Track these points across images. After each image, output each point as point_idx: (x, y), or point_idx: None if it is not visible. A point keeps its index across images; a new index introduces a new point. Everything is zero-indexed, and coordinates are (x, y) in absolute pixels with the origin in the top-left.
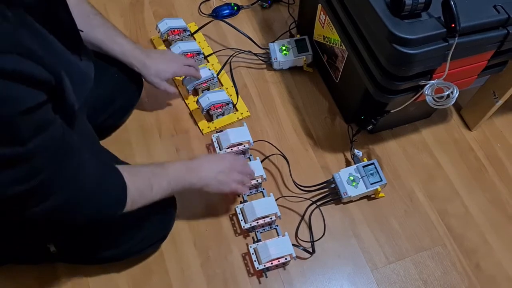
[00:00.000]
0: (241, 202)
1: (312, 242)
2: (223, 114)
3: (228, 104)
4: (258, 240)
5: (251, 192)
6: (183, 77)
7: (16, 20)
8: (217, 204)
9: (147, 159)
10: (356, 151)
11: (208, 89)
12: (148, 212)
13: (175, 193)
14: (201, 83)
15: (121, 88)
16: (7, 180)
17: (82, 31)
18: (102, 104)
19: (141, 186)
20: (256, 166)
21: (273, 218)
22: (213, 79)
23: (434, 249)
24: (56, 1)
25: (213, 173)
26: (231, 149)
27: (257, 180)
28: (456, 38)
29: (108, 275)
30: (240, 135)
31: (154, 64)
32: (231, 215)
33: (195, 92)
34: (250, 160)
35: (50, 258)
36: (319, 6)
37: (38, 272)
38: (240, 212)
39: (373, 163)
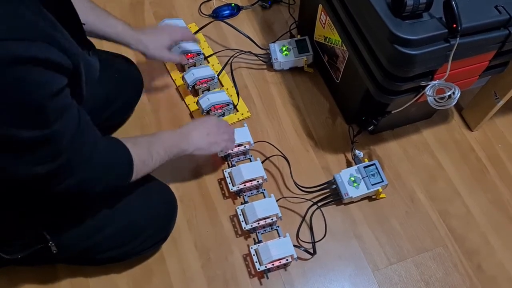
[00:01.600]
0: (242, 203)
1: (313, 243)
2: (223, 115)
3: (228, 104)
4: (259, 241)
5: (252, 193)
6: (182, 74)
7: (36, 11)
8: (218, 205)
9: None
10: (357, 151)
11: (208, 89)
12: (149, 213)
13: (170, 160)
14: (202, 83)
15: (121, 88)
16: (37, 160)
17: (84, 24)
18: (103, 104)
19: (142, 156)
20: (257, 167)
21: (274, 219)
22: (213, 79)
23: (435, 250)
24: None
25: (203, 136)
26: (232, 150)
27: (257, 181)
28: (458, 39)
29: (108, 276)
30: (240, 135)
31: (149, 38)
32: (232, 216)
33: (196, 93)
34: (251, 161)
35: (50, 259)
36: (320, 6)
37: (38, 273)
38: (241, 213)
39: (374, 164)
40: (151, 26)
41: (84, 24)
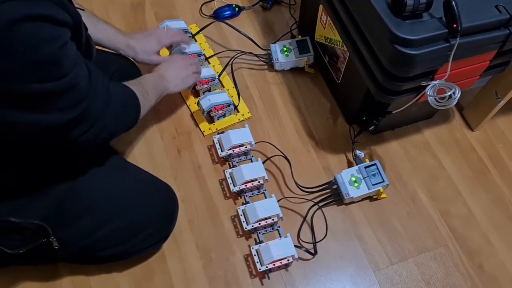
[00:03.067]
0: (243, 204)
1: (314, 243)
2: (224, 116)
3: (229, 105)
4: (260, 242)
5: (253, 193)
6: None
7: None
8: (219, 205)
9: (148, 161)
10: (358, 152)
11: (209, 90)
12: (150, 211)
13: (159, 99)
14: (203, 84)
15: None
16: (58, 108)
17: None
18: None
19: (140, 92)
20: (258, 167)
21: (275, 219)
22: (214, 80)
23: (436, 250)
24: None
25: (176, 73)
26: (233, 151)
27: (258, 182)
28: (458, 39)
29: (109, 275)
30: (241, 136)
31: (137, 43)
32: (233, 217)
33: (196, 94)
34: (252, 162)
35: (52, 256)
36: (320, 7)
37: (40, 272)
38: (242, 213)
39: (375, 164)
40: (142, 30)
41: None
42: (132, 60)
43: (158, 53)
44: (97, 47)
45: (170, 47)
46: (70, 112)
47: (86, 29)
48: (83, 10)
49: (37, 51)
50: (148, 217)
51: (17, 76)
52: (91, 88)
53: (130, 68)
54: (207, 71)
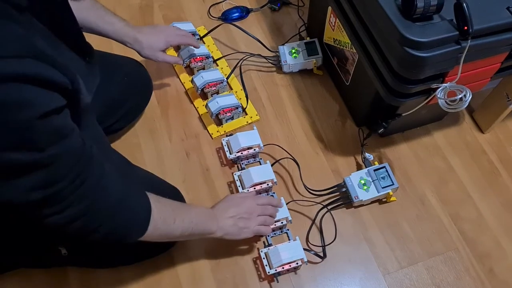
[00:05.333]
0: None
1: (323, 246)
2: (232, 118)
3: (237, 108)
4: (269, 245)
5: None
6: (192, 77)
7: (26, 23)
8: None
9: (157, 163)
10: (367, 154)
11: (217, 93)
12: None
13: (193, 237)
14: (211, 86)
15: (130, 91)
16: (24, 185)
17: (82, 29)
18: (111, 107)
19: (165, 214)
20: (267, 170)
21: (284, 222)
22: (222, 82)
23: (446, 254)
24: (60, 4)
25: (233, 220)
26: (242, 153)
27: (267, 184)
28: (469, 41)
29: (119, 279)
30: (250, 138)
31: (145, 37)
32: None
33: (205, 96)
34: (261, 164)
35: (61, 261)
36: (329, 8)
37: (49, 276)
38: None
39: (384, 167)
40: (151, 25)
41: (82, 28)
42: (137, 53)
43: (163, 51)
44: (106, 50)
45: (177, 48)
46: (38, 192)
47: (87, 53)
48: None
49: (6, 115)
50: None
51: None
52: (73, 171)
53: (140, 73)
54: (215, 74)
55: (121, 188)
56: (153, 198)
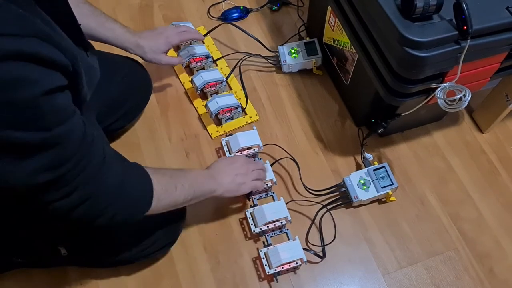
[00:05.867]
0: (251, 206)
1: (323, 246)
2: (231, 118)
3: (236, 108)
4: (269, 244)
5: (261, 196)
6: (191, 77)
7: (28, 7)
8: (227, 208)
9: (156, 163)
10: (366, 154)
11: (217, 93)
12: (158, 216)
13: (196, 200)
14: (211, 86)
15: (130, 92)
16: (31, 167)
17: (80, 24)
18: (111, 107)
19: (166, 184)
20: (266, 170)
21: (284, 222)
22: (222, 82)
23: (446, 254)
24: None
25: (231, 177)
26: (241, 153)
27: (267, 184)
28: (468, 41)
29: (118, 278)
30: (249, 138)
31: (146, 42)
32: (241, 219)
33: (204, 96)
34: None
35: (61, 261)
36: (329, 8)
37: (49, 275)
38: (250, 216)
39: (384, 167)
40: (150, 29)
41: (80, 25)
42: (141, 58)
43: (166, 52)
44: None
45: (178, 49)
46: (45, 174)
47: (88, 47)
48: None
49: (9, 92)
50: (156, 221)
51: None
52: (79, 152)
53: (140, 73)
54: (214, 74)
55: (121, 168)
56: (151, 171)
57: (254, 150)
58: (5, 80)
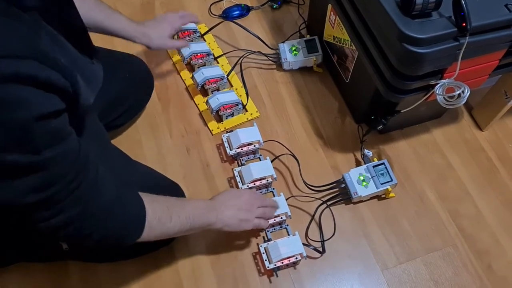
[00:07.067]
0: None
1: (322, 241)
2: (232, 115)
3: (237, 104)
4: (269, 240)
5: (261, 192)
6: (192, 74)
7: (32, 24)
8: None
9: (158, 159)
10: (366, 151)
11: (218, 89)
12: None
13: (194, 231)
14: (212, 83)
15: (132, 88)
16: (19, 188)
17: (90, 28)
18: (113, 104)
19: (160, 214)
20: (266, 166)
21: (284, 217)
22: (223, 79)
23: (445, 250)
24: (66, 3)
25: (233, 212)
26: (242, 149)
27: (267, 180)
28: (467, 38)
29: (119, 274)
30: (250, 134)
31: (151, 30)
32: None
33: (205, 93)
34: (261, 160)
35: (62, 256)
36: (329, 6)
37: (50, 270)
38: None
39: (383, 163)
40: (149, 19)
41: (89, 29)
42: (147, 47)
43: (172, 37)
44: (109, 47)
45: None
46: (33, 195)
47: (93, 53)
48: (90, 29)
49: (4, 114)
50: None
51: None
52: (68, 176)
53: (142, 70)
54: (215, 71)
55: (115, 193)
56: (147, 198)
57: (254, 146)
58: (2, 101)
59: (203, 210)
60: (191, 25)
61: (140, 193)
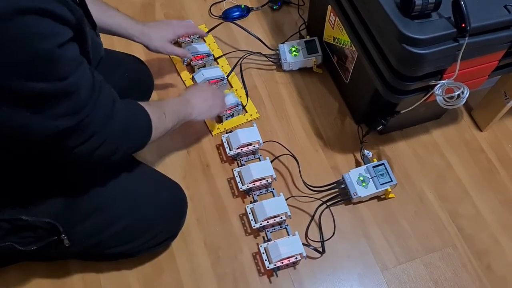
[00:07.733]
0: (251, 202)
1: (322, 242)
2: (232, 116)
3: (237, 105)
4: (269, 240)
5: (261, 192)
6: (192, 75)
7: None
8: (228, 203)
9: (158, 160)
10: (366, 151)
11: None
12: (159, 210)
13: (179, 124)
14: (212, 84)
15: (131, 88)
16: (53, 114)
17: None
18: None
19: (156, 113)
20: (266, 166)
21: (283, 217)
22: (222, 80)
23: (444, 250)
24: None
25: (202, 101)
26: (241, 150)
27: (267, 180)
28: (467, 38)
29: (119, 272)
30: (249, 135)
31: (152, 30)
32: (241, 215)
33: None
34: (260, 161)
35: (62, 255)
36: (329, 7)
37: (50, 269)
38: (251, 211)
39: (383, 164)
40: (154, 20)
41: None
42: (146, 47)
43: (172, 43)
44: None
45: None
46: (66, 120)
47: (95, 27)
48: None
49: (31, 46)
50: (158, 216)
51: (9, 71)
52: (92, 97)
53: (141, 69)
54: (215, 71)
55: (126, 108)
56: (143, 104)
57: (254, 146)
58: (24, 34)
59: (180, 104)
60: (205, 49)
61: (134, 101)
